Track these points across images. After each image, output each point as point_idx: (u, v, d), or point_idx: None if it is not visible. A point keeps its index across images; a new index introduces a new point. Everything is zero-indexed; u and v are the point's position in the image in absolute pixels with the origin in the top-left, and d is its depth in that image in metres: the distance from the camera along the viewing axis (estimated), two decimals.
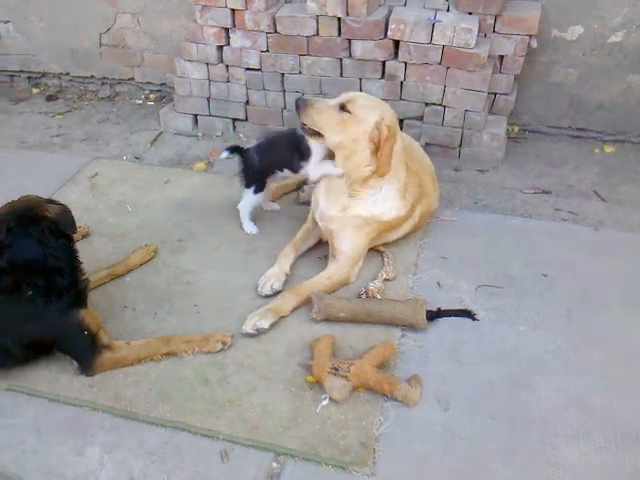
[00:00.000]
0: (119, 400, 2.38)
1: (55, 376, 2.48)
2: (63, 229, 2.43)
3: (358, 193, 2.89)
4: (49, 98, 4.96)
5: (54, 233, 2.38)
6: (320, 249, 3.20)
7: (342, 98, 2.80)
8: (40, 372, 2.49)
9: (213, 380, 2.47)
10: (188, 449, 2.21)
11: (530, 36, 3.74)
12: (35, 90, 5.08)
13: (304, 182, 3.70)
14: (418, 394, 2.39)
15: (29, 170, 3.93)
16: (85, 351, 2.44)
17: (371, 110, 2.75)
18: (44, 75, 5.13)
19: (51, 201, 2.51)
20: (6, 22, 4.88)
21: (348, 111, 2.74)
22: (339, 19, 3.74)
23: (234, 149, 3.24)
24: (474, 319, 2.78)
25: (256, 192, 3.25)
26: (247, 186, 3.25)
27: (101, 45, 4.80)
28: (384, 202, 2.90)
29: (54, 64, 5.01)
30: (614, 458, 2.18)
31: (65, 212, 2.47)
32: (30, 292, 2.34)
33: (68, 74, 5.03)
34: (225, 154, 3.24)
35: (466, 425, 2.31)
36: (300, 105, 2.78)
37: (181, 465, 2.16)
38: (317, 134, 2.82)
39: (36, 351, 2.48)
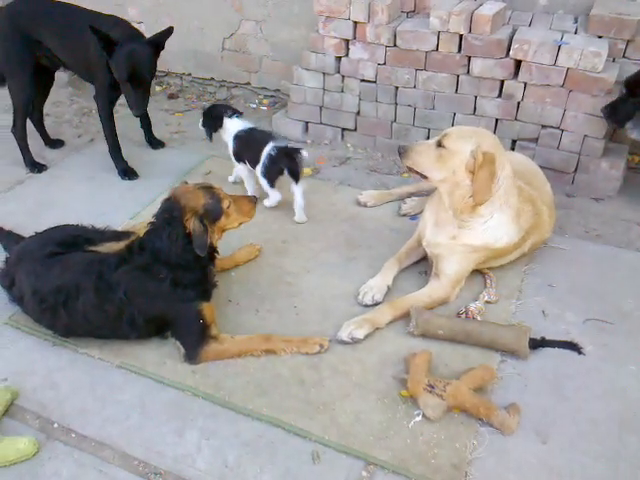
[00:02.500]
0: (219, 389, 2.47)
1: (162, 359, 2.61)
2: (193, 246, 2.51)
3: (467, 223, 2.85)
4: (170, 96, 5.26)
5: (186, 239, 2.51)
6: (421, 265, 3.18)
7: (440, 135, 2.82)
8: (149, 353, 2.64)
9: (308, 381, 2.52)
10: (281, 445, 2.26)
11: None
12: (158, 88, 5.40)
13: (408, 194, 3.72)
14: (516, 423, 2.32)
15: (150, 163, 4.19)
16: (194, 339, 2.57)
17: (466, 140, 2.73)
18: (167, 74, 5.45)
19: (206, 213, 2.56)
20: (139, 22, 5.22)
21: (444, 146, 2.76)
22: (461, 36, 3.72)
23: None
24: (580, 353, 2.66)
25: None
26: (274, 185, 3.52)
27: (223, 49, 5.04)
28: (496, 230, 2.84)
29: (178, 64, 5.30)
30: None
31: (200, 234, 2.51)
32: (162, 276, 2.52)
33: (190, 75, 5.31)
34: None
35: (565, 462, 2.21)
36: (401, 151, 2.88)
37: (274, 460, 2.21)
38: (423, 176, 2.87)
39: (155, 328, 2.64)
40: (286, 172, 3.40)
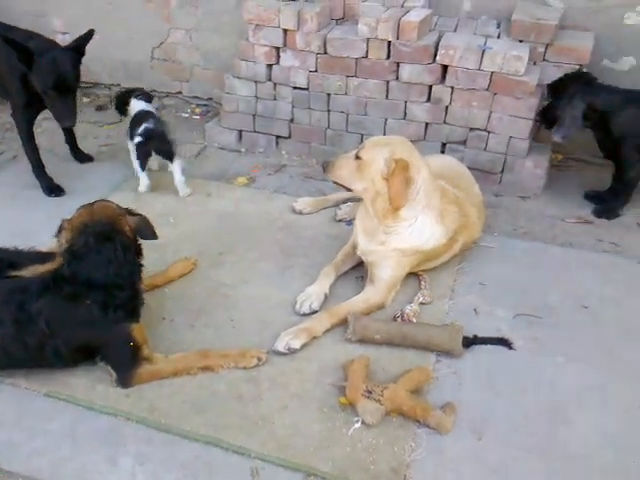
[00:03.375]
0: (153, 411, 2.41)
1: (92, 385, 2.52)
2: (145, 238, 2.56)
3: (392, 229, 2.90)
4: (99, 108, 5.11)
5: (126, 250, 2.46)
6: (358, 270, 3.20)
7: (358, 147, 2.94)
8: (78, 380, 2.54)
9: (246, 396, 2.49)
10: (219, 465, 2.22)
11: (580, 66, 3.71)
12: (86, 99, 5.24)
13: (343, 200, 3.75)
14: (451, 422, 2.37)
15: (77, 179, 4.05)
16: (126, 362, 2.49)
17: (379, 149, 2.82)
18: (95, 85, 5.29)
19: (130, 212, 2.59)
20: (64, 33, 5.06)
21: (360, 158, 2.85)
22: (389, 42, 3.78)
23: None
24: (511, 348, 2.74)
25: None
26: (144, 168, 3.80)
27: (152, 59, 4.95)
28: (422, 232, 2.90)
29: (106, 75, 5.17)
30: None
31: (145, 222, 2.58)
32: (88, 302, 2.42)
33: (119, 85, 5.18)
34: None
35: (500, 457, 2.27)
36: (324, 166, 3.00)
37: None
38: (347, 188, 2.98)
39: (83, 356, 2.54)
40: (154, 154, 3.71)
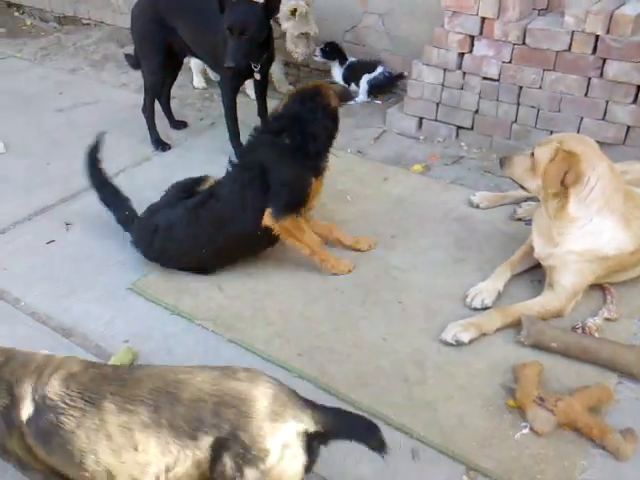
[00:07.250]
0: (323, 374, 2.51)
1: (270, 338, 2.70)
2: (345, 100, 3.19)
3: (564, 229, 2.73)
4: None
5: (324, 111, 2.94)
6: (534, 273, 3.05)
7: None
8: (257, 332, 2.73)
9: (412, 378, 2.49)
10: None
11: None
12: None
13: (525, 198, 3.58)
14: (632, 450, 2.17)
15: None
16: (289, 203, 2.87)
17: (548, 144, 2.70)
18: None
19: (333, 83, 3.28)
20: None
21: (534, 155, 2.76)
22: (597, 37, 3.52)
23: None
24: None
25: None
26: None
27: (343, 42, 5.06)
28: (598, 234, 2.68)
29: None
30: None
31: (346, 89, 3.65)
32: (287, 140, 2.90)
33: (308, 67, 5.38)
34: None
35: None
36: (501, 162, 2.97)
37: None
38: (521, 186, 2.94)
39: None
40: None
